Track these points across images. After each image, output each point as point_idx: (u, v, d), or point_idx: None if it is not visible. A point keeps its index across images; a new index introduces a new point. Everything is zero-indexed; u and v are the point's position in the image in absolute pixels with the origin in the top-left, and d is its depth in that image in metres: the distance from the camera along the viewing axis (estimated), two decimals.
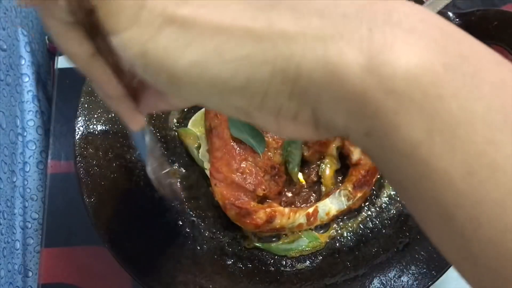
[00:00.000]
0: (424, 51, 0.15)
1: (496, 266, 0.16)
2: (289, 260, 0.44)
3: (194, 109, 0.49)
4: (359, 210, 0.46)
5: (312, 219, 0.44)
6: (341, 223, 0.45)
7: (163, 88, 0.20)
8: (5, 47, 0.52)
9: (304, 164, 0.46)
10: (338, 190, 0.44)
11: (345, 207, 0.44)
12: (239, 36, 0.17)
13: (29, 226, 0.54)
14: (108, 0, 0.17)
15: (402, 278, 0.40)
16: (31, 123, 0.56)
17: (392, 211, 0.45)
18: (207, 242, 0.44)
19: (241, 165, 0.42)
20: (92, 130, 0.45)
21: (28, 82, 0.56)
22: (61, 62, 0.55)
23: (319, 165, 0.46)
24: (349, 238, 0.45)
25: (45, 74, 0.62)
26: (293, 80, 0.17)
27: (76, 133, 0.44)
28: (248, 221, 0.42)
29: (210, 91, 0.18)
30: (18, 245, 0.52)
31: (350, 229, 0.45)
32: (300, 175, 0.46)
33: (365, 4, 0.17)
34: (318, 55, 0.16)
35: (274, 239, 0.45)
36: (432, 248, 0.41)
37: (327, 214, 0.44)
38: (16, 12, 0.56)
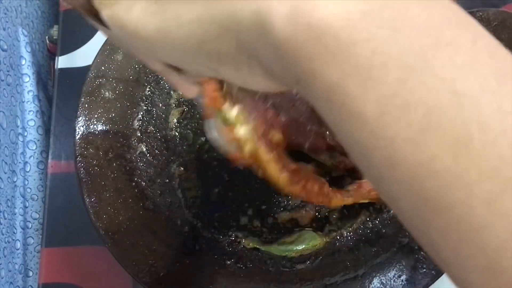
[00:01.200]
0: None
1: (410, 206, 0.16)
2: (289, 260, 0.44)
3: (194, 108, 0.49)
4: (359, 210, 0.46)
5: None
6: (340, 223, 0.45)
7: (145, 55, 0.22)
8: (5, 47, 0.52)
9: None
10: None
11: None
12: (192, 1, 0.18)
13: (30, 226, 0.54)
14: None
15: (402, 278, 0.40)
16: (31, 123, 0.56)
17: (392, 211, 0.45)
18: (207, 242, 0.45)
19: None
20: (92, 130, 0.45)
21: (28, 82, 0.56)
22: (62, 62, 0.55)
23: None
24: (349, 238, 0.45)
25: (46, 74, 0.62)
26: (236, 36, 0.18)
27: (77, 133, 0.44)
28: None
29: (176, 53, 0.20)
30: (18, 244, 0.52)
31: (350, 229, 0.45)
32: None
33: None
34: (253, 10, 0.17)
35: (277, 236, 0.45)
36: None
37: None
38: (17, 12, 0.56)
